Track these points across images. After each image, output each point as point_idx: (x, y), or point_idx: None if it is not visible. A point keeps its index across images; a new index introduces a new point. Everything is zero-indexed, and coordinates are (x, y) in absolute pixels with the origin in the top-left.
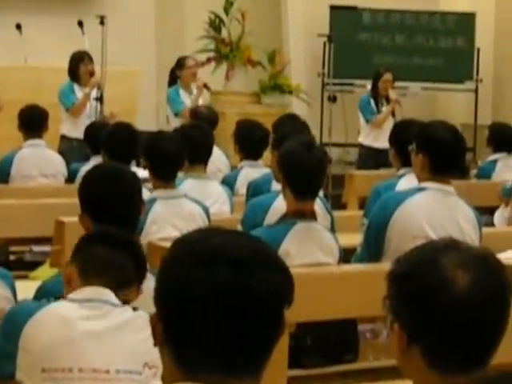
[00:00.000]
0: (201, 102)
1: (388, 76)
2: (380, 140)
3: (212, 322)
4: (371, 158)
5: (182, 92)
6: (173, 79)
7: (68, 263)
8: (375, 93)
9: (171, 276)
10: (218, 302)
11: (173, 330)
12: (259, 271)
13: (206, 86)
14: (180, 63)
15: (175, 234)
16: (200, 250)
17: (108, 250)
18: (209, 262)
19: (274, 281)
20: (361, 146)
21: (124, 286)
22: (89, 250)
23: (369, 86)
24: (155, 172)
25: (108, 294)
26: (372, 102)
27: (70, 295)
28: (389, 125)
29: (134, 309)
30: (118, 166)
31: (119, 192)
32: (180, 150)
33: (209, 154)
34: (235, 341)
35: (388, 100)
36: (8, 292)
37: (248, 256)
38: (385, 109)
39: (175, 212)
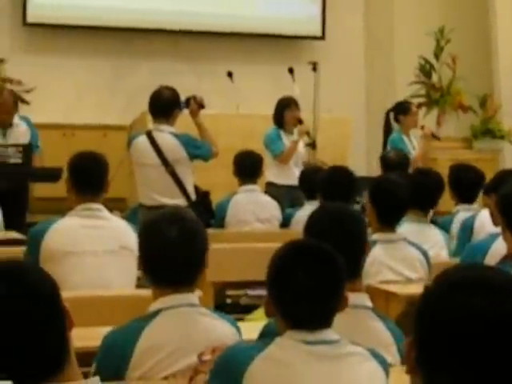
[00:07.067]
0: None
1: None
2: None
3: (465, 350)
4: None
5: (404, 138)
6: (389, 124)
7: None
8: None
9: (427, 305)
10: (471, 330)
11: (424, 357)
12: None
13: (433, 134)
14: (403, 108)
15: (393, 277)
16: (457, 278)
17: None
18: (464, 290)
19: None
20: None
21: None
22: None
23: None
24: (380, 216)
25: (331, 333)
26: None
27: (288, 334)
28: None
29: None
30: (342, 205)
31: (342, 230)
32: (406, 197)
33: (435, 201)
34: (491, 371)
35: None
36: (237, 335)
37: (505, 285)
38: None
39: (393, 255)
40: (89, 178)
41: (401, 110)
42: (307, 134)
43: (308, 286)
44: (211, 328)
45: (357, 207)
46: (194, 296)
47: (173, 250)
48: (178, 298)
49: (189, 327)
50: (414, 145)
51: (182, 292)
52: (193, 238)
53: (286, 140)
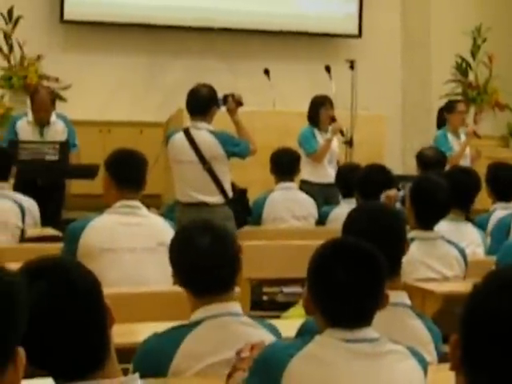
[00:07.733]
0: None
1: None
2: None
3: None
4: None
5: (450, 136)
6: (441, 120)
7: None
8: None
9: (475, 304)
10: None
11: (469, 356)
12: None
13: (475, 133)
14: (448, 106)
15: (431, 275)
16: (506, 278)
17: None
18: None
19: None
20: None
21: None
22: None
23: None
24: (418, 216)
25: (371, 331)
26: None
27: (328, 332)
28: None
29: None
30: (380, 203)
31: (381, 228)
32: (446, 199)
33: (473, 199)
34: None
35: None
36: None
37: None
38: None
39: (431, 253)
40: (128, 174)
41: (447, 108)
42: (341, 132)
43: (348, 284)
44: (252, 338)
45: (395, 192)
46: (236, 304)
47: (209, 261)
48: (219, 308)
49: (230, 337)
50: (461, 142)
51: (223, 300)
52: (225, 246)
53: (321, 138)
